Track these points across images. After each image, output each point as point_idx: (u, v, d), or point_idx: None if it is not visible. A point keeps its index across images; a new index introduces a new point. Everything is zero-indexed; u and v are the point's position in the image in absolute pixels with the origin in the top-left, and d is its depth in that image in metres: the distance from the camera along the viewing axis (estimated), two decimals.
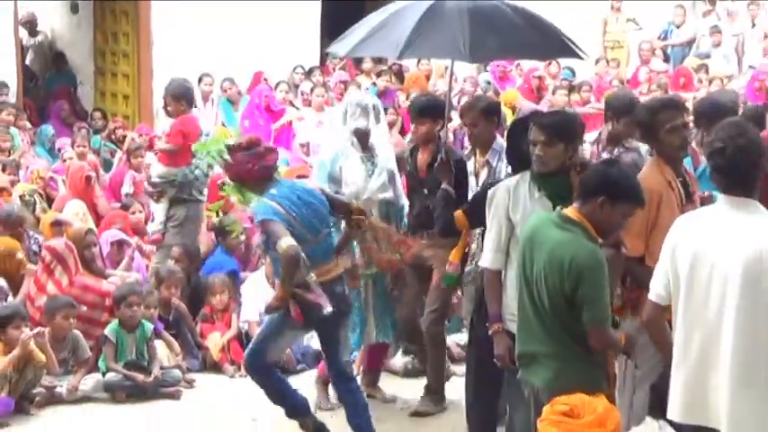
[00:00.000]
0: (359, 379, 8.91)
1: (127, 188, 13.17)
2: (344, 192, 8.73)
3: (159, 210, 11.41)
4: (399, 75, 18.47)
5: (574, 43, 9.03)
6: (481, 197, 7.30)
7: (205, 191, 11.52)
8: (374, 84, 17.90)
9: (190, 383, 9.74)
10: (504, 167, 8.14)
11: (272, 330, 7.85)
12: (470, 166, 8.55)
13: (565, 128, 6.58)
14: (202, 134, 11.43)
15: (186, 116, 11.54)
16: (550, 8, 18.35)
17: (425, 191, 8.42)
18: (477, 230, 7.60)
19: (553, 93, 18.14)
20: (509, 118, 15.52)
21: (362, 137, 8.79)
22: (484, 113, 8.40)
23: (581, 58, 9.49)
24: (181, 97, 11.60)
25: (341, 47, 9.45)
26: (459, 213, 7.84)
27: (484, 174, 8.41)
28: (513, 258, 6.54)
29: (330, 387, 8.87)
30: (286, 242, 7.26)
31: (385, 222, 8.78)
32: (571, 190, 6.37)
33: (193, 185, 11.22)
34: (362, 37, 8.84)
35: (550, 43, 8.95)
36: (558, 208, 6.02)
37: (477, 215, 7.33)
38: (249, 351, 8.01)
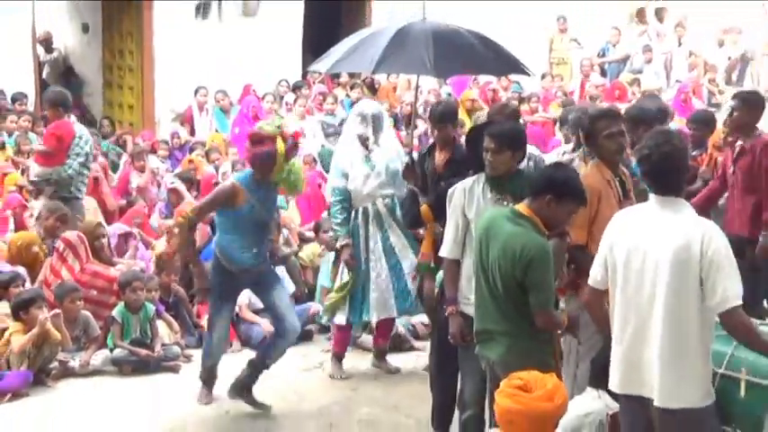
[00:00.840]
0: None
1: (133, 184, 13.14)
2: (350, 187, 9.04)
3: (38, 207, 11.23)
4: (371, 87, 18.49)
5: (521, 63, 9.24)
6: (443, 195, 7.30)
7: (84, 189, 11.40)
8: (348, 95, 17.93)
9: (188, 358, 9.75)
10: (530, 166, 8.00)
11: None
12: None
13: (511, 137, 6.62)
14: (76, 136, 11.12)
15: (61, 121, 11.36)
16: (504, 28, 18.46)
17: (443, 184, 8.40)
18: None
19: None
20: (467, 123, 15.58)
21: (363, 141, 9.02)
22: (509, 118, 8.32)
23: (528, 74, 9.75)
24: (58, 104, 11.47)
25: (322, 65, 9.57)
26: (424, 208, 7.97)
27: None
28: (468, 250, 6.58)
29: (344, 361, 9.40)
30: None
31: (390, 215, 9.10)
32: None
33: (71, 184, 11.09)
34: (341, 56, 9.03)
35: (503, 62, 9.15)
36: (511, 204, 6.05)
37: (439, 210, 7.36)
38: None
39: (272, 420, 8.30)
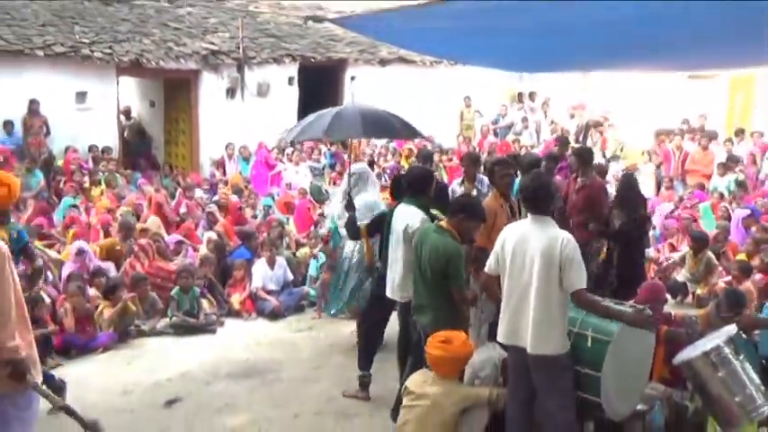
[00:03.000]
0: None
1: (183, 209, 13.07)
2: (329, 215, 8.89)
3: None
4: (344, 144, 18.37)
5: (418, 130, 9.36)
6: (377, 220, 7.43)
7: None
8: (328, 149, 17.89)
9: (221, 324, 9.68)
10: (484, 191, 8.24)
11: None
12: (462, 189, 8.58)
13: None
14: None
15: None
16: (425, 104, 18.57)
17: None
18: None
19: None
20: (405, 165, 15.62)
21: (345, 194, 8.58)
22: (473, 161, 8.85)
23: (424, 137, 10.30)
24: None
25: (288, 135, 9.63)
26: (363, 226, 7.85)
27: (474, 193, 8.33)
28: None
29: None
30: (40, 262, 7.25)
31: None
32: (429, 209, 6.54)
33: None
34: (301, 129, 9.10)
35: (406, 129, 9.21)
36: (436, 221, 6.09)
37: (374, 229, 7.39)
38: None
39: (279, 363, 8.30)
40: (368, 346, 7.42)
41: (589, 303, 5.33)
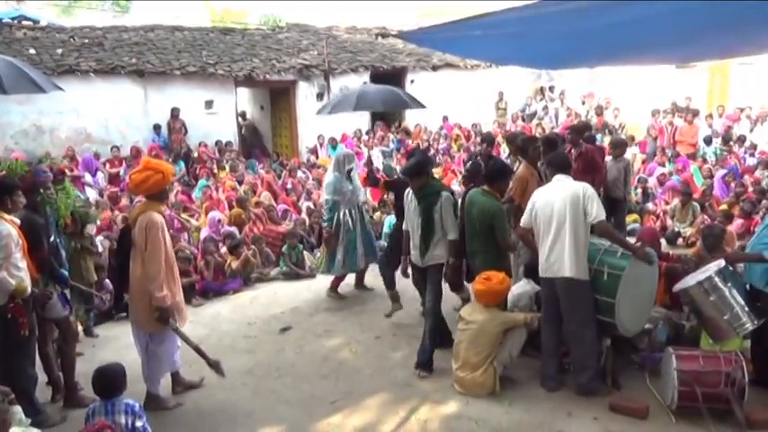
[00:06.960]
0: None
1: (289, 185, 13.10)
2: (337, 198, 7.83)
3: None
4: (407, 131, 18.15)
5: (419, 101, 9.82)
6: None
7: None
8: (396, 136, 17.66)
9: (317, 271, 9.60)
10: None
11: None
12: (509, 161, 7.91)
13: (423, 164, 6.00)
14: None
15: None
16: (468, 99, 18.18)
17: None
18: None
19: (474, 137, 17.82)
20: (454, 147, 15.28)
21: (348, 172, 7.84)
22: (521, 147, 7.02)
23: (424, 107, 10.01)
24: None
25: (324, 111, 10.05)
26: (381, 183, 8.19)
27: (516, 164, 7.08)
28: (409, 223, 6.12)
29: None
30: None
31: (361, 213, 8.01)
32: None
33: None
34: (333, 106, 9.56)
35: (414, 101, 9.84)
36: (482, 186, 5.96)
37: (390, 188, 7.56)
38: None
39: (364, 299, 8.26)
40: (388, 278, 7.34)
41: (609, 232, 5.28)
